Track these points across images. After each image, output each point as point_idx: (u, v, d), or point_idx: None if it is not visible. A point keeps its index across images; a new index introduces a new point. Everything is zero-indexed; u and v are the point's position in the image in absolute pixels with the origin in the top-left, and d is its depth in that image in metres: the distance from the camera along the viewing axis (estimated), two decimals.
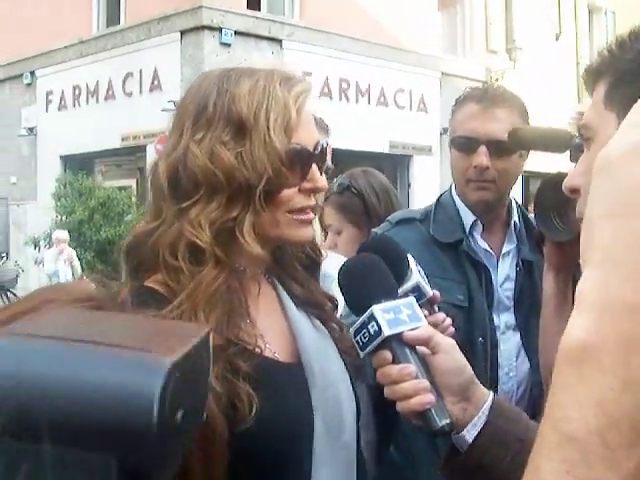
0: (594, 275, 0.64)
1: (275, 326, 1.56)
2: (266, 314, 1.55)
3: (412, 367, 1.34)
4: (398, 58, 19.39)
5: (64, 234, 14.63)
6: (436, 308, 1.75)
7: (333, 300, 1.71)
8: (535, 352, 2.32)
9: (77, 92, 19.05)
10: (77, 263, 14.38)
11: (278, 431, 1.40)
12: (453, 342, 1.41)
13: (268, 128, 1.43)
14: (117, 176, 18.32)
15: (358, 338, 1.38)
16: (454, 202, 2.49)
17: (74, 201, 16.13)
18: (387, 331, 1.34)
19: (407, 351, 1.35)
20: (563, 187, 1.34)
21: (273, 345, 1.51)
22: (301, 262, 1.66)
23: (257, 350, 1.43)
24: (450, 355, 1.39)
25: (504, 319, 2.44)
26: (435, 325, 1.60)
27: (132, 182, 17.78)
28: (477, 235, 2.45)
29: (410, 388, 1.33)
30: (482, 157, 2.33)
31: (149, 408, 0.60)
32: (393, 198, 3.03)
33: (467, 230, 2.44)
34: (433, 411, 1.32)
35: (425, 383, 1.33)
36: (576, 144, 2.11)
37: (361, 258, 1.51)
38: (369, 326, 1.36)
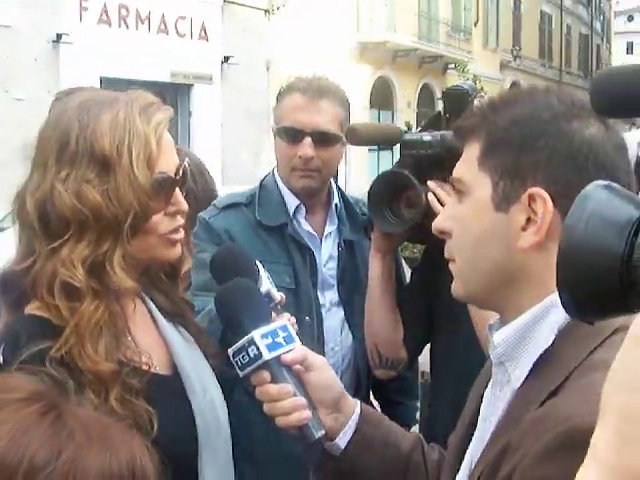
0: (609, 437, 0.69)
1: (151, 340, 1.63)
2: (142, 330, 1.62)
3: (290, 386, 1.49)
4: None
5: None
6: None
7: (192, 305, 1.82)
8: (358, 326, 2.52)
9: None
10: None
11: (170, 439, 1.48)
12: (324, 360, 1.59)
13: (131, 164, 1.48)
14: None
15: (237, 359, 1.50)
16: (277, 186, 2.59)
17: None
18: (267, 355, 1.48)
19: (284, 371, 1.50)
20: (433, 228, 1.45)
21: (153, 359, 1.58)
22: (164, 271, 1.73)
23: (145, 367, 1.52)
24: (322, 372, 1.56)
25: (329, 297, 2.60)
26: None
27: None
28: (301, 218, 2.57)
29: (289, 406, 1.48)
30: (307, 148, 2.44)
31: None
32: (207, 177, 3.07)
33: (291, 214, 2.55)
34: (310, 425, 1.48)
35: (302, 400, 1.49)
36: (404, 140, 2.28)
37: (236, 284, 1.60)
38: (249, 349, 1.49)
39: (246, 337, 1.49)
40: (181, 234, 1.62)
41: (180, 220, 1.61)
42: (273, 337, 1.50)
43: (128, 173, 1.48)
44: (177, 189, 1.58)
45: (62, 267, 1.45)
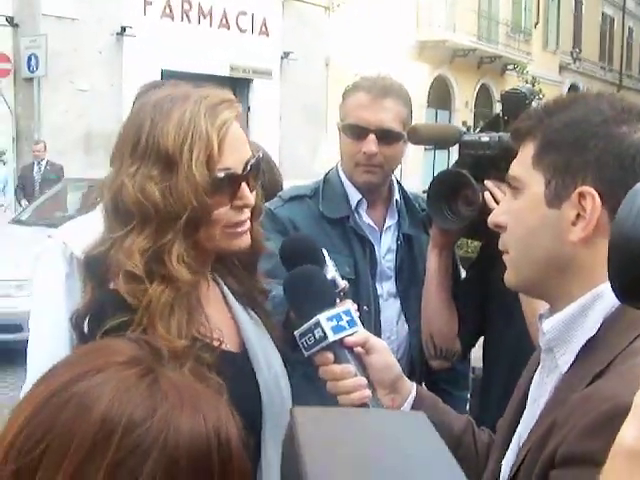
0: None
1: (222, 319, 1.74)
2: (214, 309, 1.72)
3: (351, 367, 1.60)
4: None
5: None
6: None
7: (266, 293, 1.91)
8: (413, 317, 2.63)
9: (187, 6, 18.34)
10: None
11: (238, 413, 1.59)
12: (384, 343, 1.70)
13: (191, 163, 1.57)
14: None
15: (303, 340, 1.62)
16: (341, 181, 2.70)
17: None
18: (331, 337, 1.59)
19: (346, 352, 1.61)
20: (489, 222, 1.56)
21: (223, 336, 1.68)
22: (240, 259, 1.83)
23: (215, 343, 1.62)
24: (381, 354, 1.68)
25: (386, 288, 2.70)
26: None
27: None
28: (362, 212, 2.68)
29: (351, 385, 1.59)
30: (371, 144, 2.55)
31: None
32: (274, 168, 3.19)
33: (353, 207, 2.67)
34: (369, 403, 1.59)
35: (363, 380, 1.60)
36: (463, 140, 2.37)
37: (304, 270, 1.72)
38: (315, 331, 1.60)
39: (312, 320, 1.60)
40: (246, 226, 1.70)
41: (246, 213, 1.69)
42: (337, 320, 1.61)
43: (187, 172, 1.57)
44: (244, 184, 1.66)
45: (124, 256, 1.57)
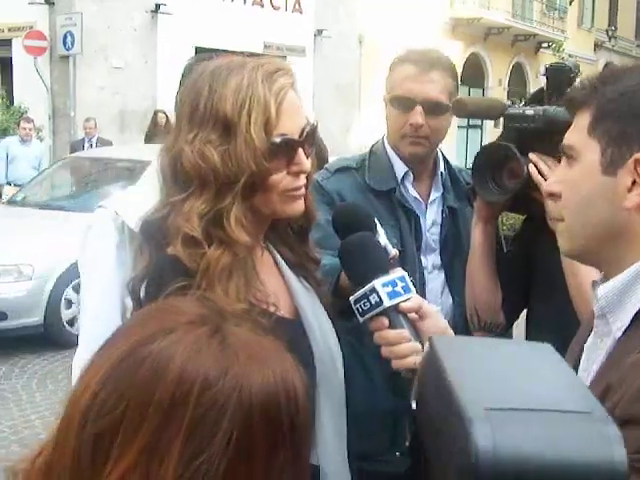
0: None
1: (276, 286, 1.77)
2: (268, 276, 1.75)
3: (406, 332, 1.63)
4: None
5: None
6: None
7: (317, 261, 1.93)
8: (457, 290, 2.66)
9: None
10: None
11: None
12: (437, 309, 1.71)
13: (249, 127, 1.60)
14: None
15: (358, 306, 1.66)
16: (387, 153, 2.72)
17: None
18: (387, 302, 1.63)
19: (401, 318, 1.65)
20: (543, 190, 1.59)
21: (277, 303, 1.71)
22: (293, 227, 1.86)
23: (272, 309, 1.64)
24: (435, 320, 1.71)
25: (431, 260, 2.72)
26: None
27: None
28: (408, 184, 2.69)
29: (406, 349, 1.63)
30: (418, 116, 2.56)
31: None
32: (320, 141, 3.22)
33: (399, 179, 2.69)
34: None
35: (417, 345, 1.63)
36: (508, 113, 2.38)
37: (360, 237, 1.75)
38: (370, 297, 1.64)
39: (368, 285, 1.64)
40: (302, 191, 1.73)
41: (302, 179, 1.71)
42: (393, 286, 1.64)
43: (246, 136, 1.60)
44: (300, 150, 1.69)
45: (183, 220, 1.60)
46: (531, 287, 2.57)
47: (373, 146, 2.80)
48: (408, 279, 1.69)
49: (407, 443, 2.54)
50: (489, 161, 2.37)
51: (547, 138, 2.29)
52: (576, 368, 1.54)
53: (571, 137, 1.50)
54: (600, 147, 1.42)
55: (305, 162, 1.70)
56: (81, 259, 2.46)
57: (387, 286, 1.64)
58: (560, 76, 2.38)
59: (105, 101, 16.93)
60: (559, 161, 2.26)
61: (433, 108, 2.58)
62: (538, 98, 2.45)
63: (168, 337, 1.01)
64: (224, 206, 1.62)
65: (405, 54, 2.66)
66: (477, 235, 2.48)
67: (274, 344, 1.09)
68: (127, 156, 10.03)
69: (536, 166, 2.26)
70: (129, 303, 2.28)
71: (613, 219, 1.41)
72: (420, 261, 2.67)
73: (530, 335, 2.63)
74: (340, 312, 1.87)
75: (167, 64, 17.49)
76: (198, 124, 1.65)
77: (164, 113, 16.03)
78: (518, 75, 32.12)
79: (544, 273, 2.46)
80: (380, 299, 1.63)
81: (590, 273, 2.09)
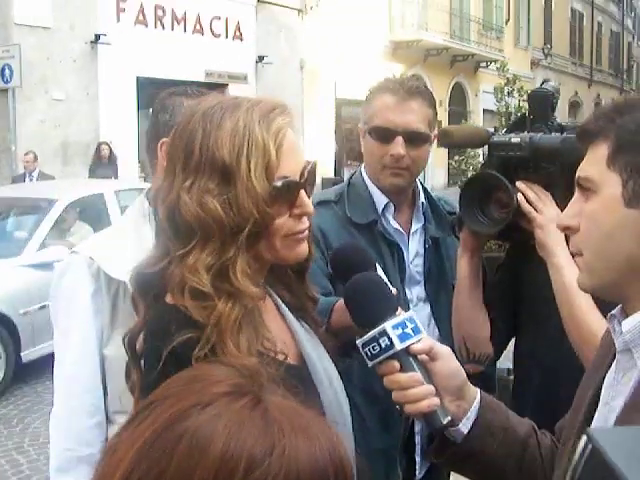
0: None
1: (279, 331, 1.68)
2: (271, 321, 1.67)
3: (418, 374, 1.56)
4: None
5: None
6: None
7: (315, 300, 1.85)
8: (444, 321, 2.60)
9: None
10: None
11: None
12: (449, 349, 1.65)
13: (250, 173, 1.52)
14: None
15: (367, 349, 1.58)
16: (366, 184, 2.66)
17: None
18: (398, 346, 1.56)
19: (412, 360, 1.57)
20: (558, 224, 1.54)
21: (284, 350, 1.63)
22: (292, 268, 1.77)
23: (280, 357, 1.56)
24: (447, 361, 1.64)
25: (416, 292, 2.67)
26: None
27: None
28: (389, 216, 2.64)
29: (419, 393, 1.56)
30: (399, 147, 2.51)
31: None
32: None
33: (380, 211, 2.63)
34: (437, 411, 1.56)
35: (431, 388, 1.57)
36: (493, 142, 2.35)
37: (367, 277, 1.69)
38: (380, 340, 1.56)
39: (378, 328, 1.56)
40: (306, 234, 1.65)
41: (305, 222, 1.64)
42: (403, 328, 1.57)
43: (247, 184, 1.52)
44: (302, 192, 1.62)
45: (189, 274, 1.51)
46: (519, 315, 2.52)
47: (351, 178, 2.74)
48: (417, 319, 1.63)
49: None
50: (476, 192, 2.32)
51: (532, 166, 2.26)
52: (594, 404, 1.50)
53: (588, 169, 1.45)
54: (622, 179, 1.38)
55: (308, 204, 1.63)
56: (54, 307, 2.34)
57: (397, 328, 1.57)
58: (544, 102, 2.36)
59: (47, 134, 16.67)
60: (545, 189, 2.25)
61: (414, 138, 2.53)
62: (520, 124, 2.42)
63: (206, 411, 0.94)
64: (229, 257, 1.53)
65: (382, 83, 2.62)
66: (463, 267, 2.42)
67: (312, 412, 1.02)
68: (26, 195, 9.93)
69: (524, 195, 2.22)
70: (108, 352, 2.18)
71: (637, 252, 1.37)
72: (405, 294, 2.62)
73: (519, 363, 2.59)
74: (340, 353, 1.82)
75: (109, 95, 17.36)
76: (194, 171, 1.55)
77: (107, 145, 15.85)
78: (458, 95, 32.54)
79: (532, 300, 2.42)
80: (391, 342, 1.56)
81: (588, 301, 2.06)
